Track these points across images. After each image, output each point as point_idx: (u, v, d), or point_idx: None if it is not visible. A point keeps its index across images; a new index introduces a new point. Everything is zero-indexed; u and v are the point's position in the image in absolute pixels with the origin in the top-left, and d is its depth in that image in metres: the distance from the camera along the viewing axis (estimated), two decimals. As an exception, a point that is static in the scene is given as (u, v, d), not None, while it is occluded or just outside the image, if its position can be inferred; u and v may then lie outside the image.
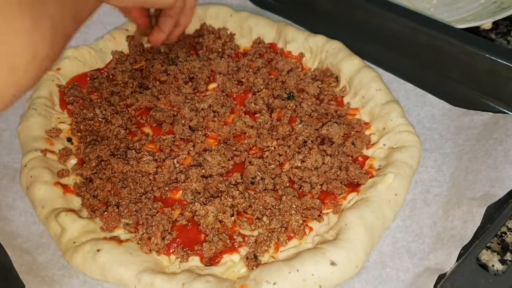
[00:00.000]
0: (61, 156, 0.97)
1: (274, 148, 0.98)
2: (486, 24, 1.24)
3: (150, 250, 0.82)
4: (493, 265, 0.82)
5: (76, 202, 0.91)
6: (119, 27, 1.26)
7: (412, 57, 1.09)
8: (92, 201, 0.90)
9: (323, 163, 0.94)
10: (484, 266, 0.82)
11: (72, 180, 0.95)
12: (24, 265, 0.81)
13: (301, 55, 1.18)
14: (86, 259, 0.80)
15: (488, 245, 0.83)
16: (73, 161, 0.98)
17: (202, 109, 1.06)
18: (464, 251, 0.77)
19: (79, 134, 1.03)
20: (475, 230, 0.78)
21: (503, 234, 0.86)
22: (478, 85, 1.02)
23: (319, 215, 0.87)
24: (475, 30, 1.25)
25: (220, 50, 1.21)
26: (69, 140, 1.02)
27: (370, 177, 0.91)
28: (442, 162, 0.93)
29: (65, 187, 0.92)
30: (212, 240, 0.83)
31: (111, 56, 1.21)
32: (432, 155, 0.95)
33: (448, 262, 0.76)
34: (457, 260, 0.76)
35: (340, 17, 1.20)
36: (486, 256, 0.83)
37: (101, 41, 1.22)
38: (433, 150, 0.96)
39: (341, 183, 0.91)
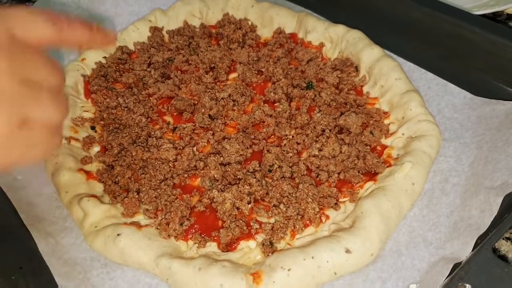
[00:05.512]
0: (85, 143, 1.00)
1: (292, 136, 0.99)
2: (510, 8, 1.21)
3: (169, 235, 0.84)
4: (512, 256, 0.81)
5: (98, 188, 0.93)
6: (143, 18, 1.28)
7: (434, 46, 1.08)
8: (114, 187, 0.92)
9: (341, 152, 0.94)
10: (503, 257, 0.81)
11: (95, 167, 0.97)
12: (48, 247, 0.83)
13: (321, 44, 1.18)
14: (106, 243, 0.82)
15: (507, 236, 0.82)
16: (96, 148, 1.01)
17: (222, 98, 1.07)
18: (481, 241, 0.76)
19: (102, 122, 1.05)
20: (491, 220, 0.77)
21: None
22: (501, 74, 1.00)
23: (336, 204, 0.88)
24: (499, 15, 1.22)
25: (240, 40, 1.22)
26: (92, 128, 1.05)
27: (388, 166, 0.91)
28: (462, 152, 0.92)
29: (88, 173, 0.94)
30: (229, 226, 0.84)
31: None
32: (451, 144, 0.94)
33: (464, 251, 0.76)
34: (473, 250, 0.75)
35: (361, 6, 1.19)
36: (506, 247, 0.82)
37: (125, 32, 1.24)
38: (453, 140, 0.95)
39: (358, 171, 0.92)
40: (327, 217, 0.87)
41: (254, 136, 1.00)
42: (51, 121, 0.59)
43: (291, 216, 0.85)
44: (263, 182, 0.90)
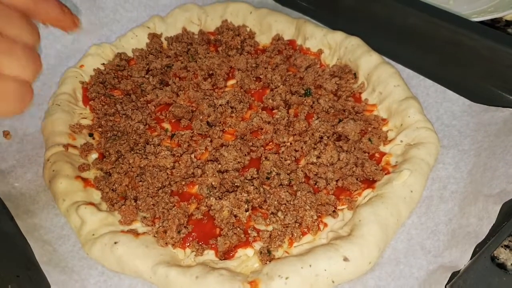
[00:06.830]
0: (83, 150, 1.00)
1: (290, 144, 0.99)
2: (509, 15, 1.21)
3: (166, 243, 0.84)
4: (511, 264, 0.81)
5: (96, 195, 0.93)
6: (141, 25, 1.29)
7: (432, 52, 1.08)
8: (111, 195, 0.92)
9: (339, 159, 0.94)
10: (502, 266, 0.80)
11: (92, 174, 0.97)
12: (45, 255, 0.83)
13: (320, 51, 1.18)
14: (104, 251, 0.82)
15: (506, 244, 0.82)
16: (94, 155, 1.01)
17: (220, 105, 1.07)
18: (479, 249, 0.76)
19: (100, 129, 1.05)
20: (490, 227, 0.76)
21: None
22: (499, 80, 1.00)
23: (334, 211, 0.87)
24: (498, 21, 1.22)
25: (239, 47, 1.22)
26: (90, 135, 1.05)
27: (386, 174, 0.91)
28: (460, 159, 0.92)
29: (85, 180, 0.94)
30: (227, 234, 0.84)
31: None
32: (450, 151, 0.94)
33: (462, 259, 0.75)
34: (471, 258, 0.75)
35: (360, 13, 1.20)
36: (504, 255, 0.82)
37: (123, 39, 1.25)
38: (452, 147, 0.95)
39: (356, 179, 0.91)
40: (325, 225, 0.87)
41: (252, 143, 1.00)
42: (22, 75, 0.63)
43: (289, 224, 0.85)
44: (261, 189, 0.90)
